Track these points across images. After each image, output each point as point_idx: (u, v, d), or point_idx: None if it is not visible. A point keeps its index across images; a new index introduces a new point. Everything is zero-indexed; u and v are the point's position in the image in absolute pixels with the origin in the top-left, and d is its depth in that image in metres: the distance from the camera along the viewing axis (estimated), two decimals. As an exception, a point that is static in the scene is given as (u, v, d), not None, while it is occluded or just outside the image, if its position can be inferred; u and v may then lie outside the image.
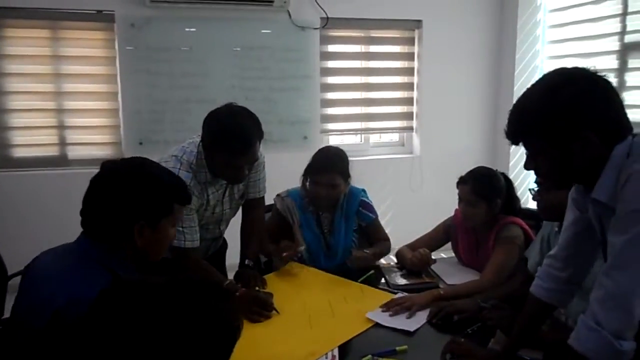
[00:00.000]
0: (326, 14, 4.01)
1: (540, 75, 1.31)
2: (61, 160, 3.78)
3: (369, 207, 2.45)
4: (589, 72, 1.21)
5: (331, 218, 2.40)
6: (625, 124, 1.21)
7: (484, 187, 2.18)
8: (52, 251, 1.34)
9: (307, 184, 2.34)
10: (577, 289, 1.47)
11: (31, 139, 3.73)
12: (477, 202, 2.18)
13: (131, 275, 1.29)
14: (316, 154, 2.38)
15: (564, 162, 1.22)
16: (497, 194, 2.19)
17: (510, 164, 4.34)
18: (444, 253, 2.55)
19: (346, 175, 2.33)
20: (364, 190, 2.48)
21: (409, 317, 1.82)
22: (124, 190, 1.24)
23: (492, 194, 2.19)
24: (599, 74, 1.21)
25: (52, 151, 3.78)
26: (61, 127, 3.76)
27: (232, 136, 1.85)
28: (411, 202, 4.36)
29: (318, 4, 3.98)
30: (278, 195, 2.44)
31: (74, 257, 1.24)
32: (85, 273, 1.19)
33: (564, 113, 1.17)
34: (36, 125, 3.71)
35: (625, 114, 1.21)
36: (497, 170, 2.28)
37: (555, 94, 1.18)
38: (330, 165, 2.29)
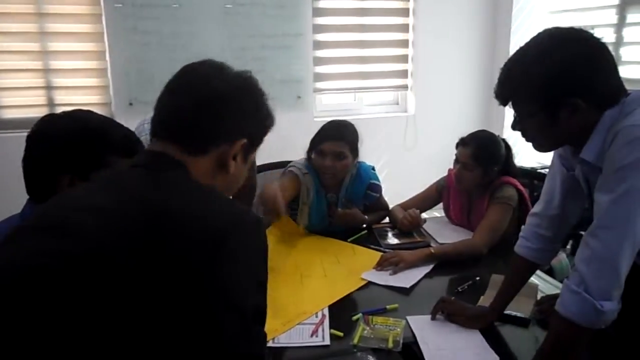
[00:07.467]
0: (318, -32, 3.88)
1: (537, 32, 1.27)
2: (50, 122, 3.71)
3: (376, 188, 2.34)
4: (583, 34, 1.16)
5: (336, 199, 2.28)
6: (618, 89, 1.17)
7: (484, 153, 2.12)
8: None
9: (313, 156, 2.21)
10: (559, 247, 1.48)
11: (19, 100, 3.64)
12: (474, 167, 2.13)
13: None
14: (325, 124, 2.25)
15: (550, 126, 1.20)
16: (496, 162, 2.14)
17: (505, 123, 4.30)
18: (437, 212, 2.55)
19: (354, 150, 2.21)
20: (373, 168, 2.37)
21: (392, 274, 1.83)
22: (46, 145, 1.17)
23: (491, 161, 2.13)
24: (594, 35, 1.16)
25: (42, 112, 3.70)
26: (49, 87, 3.68)
27: None
28: (405, 161, 4.34)
29: (310, -43, 3.85)
30: (295, 166, 2.25)
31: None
32: None
33: (552, 79, 1.14)
34: (23, 85, 3.62)
35: (619, 78, 1.17)
36: (499, 136, 2.21)
37: (544, 59, 1.15)
38: (338, 133, 2.17)
